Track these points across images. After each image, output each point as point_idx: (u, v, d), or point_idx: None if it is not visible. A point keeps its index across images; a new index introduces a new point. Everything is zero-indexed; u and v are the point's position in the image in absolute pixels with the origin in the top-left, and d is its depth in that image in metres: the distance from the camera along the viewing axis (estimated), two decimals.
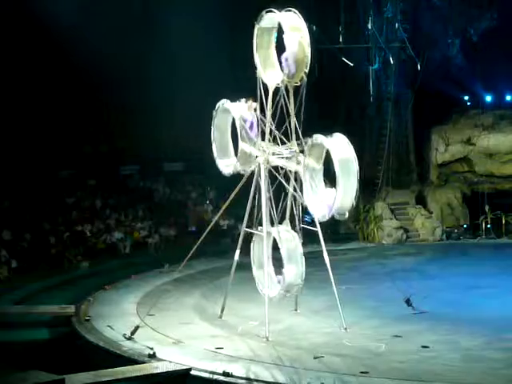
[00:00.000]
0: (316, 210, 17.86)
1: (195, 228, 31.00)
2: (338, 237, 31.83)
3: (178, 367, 15.03)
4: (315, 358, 15.36)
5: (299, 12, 17.78)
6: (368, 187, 33.90)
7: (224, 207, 20.19)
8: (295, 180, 18.38)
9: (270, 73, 18.45)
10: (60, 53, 30.34)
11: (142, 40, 32.25)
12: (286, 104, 18.24)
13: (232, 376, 14.29)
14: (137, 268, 25.93)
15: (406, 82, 34.69)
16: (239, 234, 19.57)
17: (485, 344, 16.31)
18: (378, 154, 34.40)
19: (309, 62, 17.75)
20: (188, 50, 31.28)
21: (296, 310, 19.48)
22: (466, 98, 35.69)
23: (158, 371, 14.87)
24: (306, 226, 18.66)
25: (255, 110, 18.33)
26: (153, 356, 15.68)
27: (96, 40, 28.77)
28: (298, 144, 18.22)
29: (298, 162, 18.09)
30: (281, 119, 18.47)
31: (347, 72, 33.69)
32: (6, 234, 27.33)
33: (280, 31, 18.05)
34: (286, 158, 18.40)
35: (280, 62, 18.04)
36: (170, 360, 15.40)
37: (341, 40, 33.13)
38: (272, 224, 18.32)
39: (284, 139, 18.46)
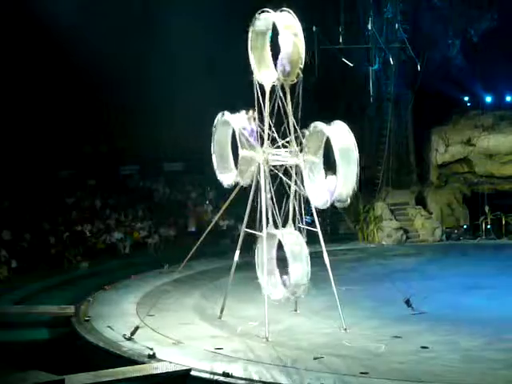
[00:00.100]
0: (317, 197, 17.83)
1: (195, 228, 31.00)
2: (337, 237, 31.85)
3: (178, 368, 15.02)
4: (315, 358, 15.35)
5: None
6: (368, 187, 33.92)
7: (224, 207, 20.18)
8: (296, 174, 18.35)
9: (265, 73, 18.52)
10: (60, 53, 30.33)
11: (141, 40, 32.23)
12: (283, 103, 18.26)
13: (232, 376, 14.29)
14: (136, 268, 25.93)
15: (406, 83, 34.69)
16: (239, 235, 19.55)
17: (484, 344, 16.31)
18: (378, 155, 34.41)
19: (303, 62, 17.80)
20: (188, 49, 31.27)
21: (296, 310, 19.47)
22: (466, 98, 35.71)
23: (158, 372, 14.87)
24: (305, 227, 18.64)
25: (254, 119, 18.39)
26: (153, 356, 15.67)
27: (96, 40, 28.76)
28: (295, 137, 18.21)
29: (298, 158, 18.10)
30: (279, 119, 18.49)
31: (347, 72, 33.69)
32: (6, 234, 27.34)
33: (275, 31, 18.10)
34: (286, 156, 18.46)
35: (275, 64, 18.14)
36: (170, 360, 15.39)
37: (341, 40, 33.11)
38: (276, 227, 18.28)
39: (283, 142, 18.47)
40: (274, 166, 18.54)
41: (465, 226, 33.17)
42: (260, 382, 14.15)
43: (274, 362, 15.31)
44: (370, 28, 33.40)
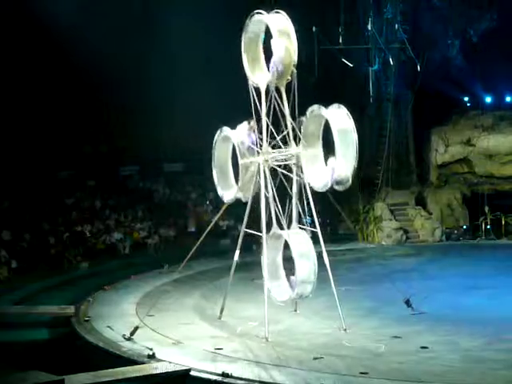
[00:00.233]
0: (317, 180, 17.81)
1: (195, 228, 31.00)
2: (337, 237, 31.85)
3: (178, 368, 15.00)
4: (315, 358, 15.33)
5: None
6: (368, 188, 33.95)
7: (224, 208, 20.17)
8: (297, 167, 18.34)
9: (260, 75, 18.61)
10: (60, 53, 30.34)
11: (142, 40, 32.24)
12: (278, 104, 18.31)
13: (231, 377, 14.26)
14: (136, 268, 25.93)
15: (405, 83, 34.70)
16: (239, 235, 19.54)
17: (484, 345, 16.29)
18: (378, 155, 34.40)
19: (295, 64, 17.89)
20: (188, 49, 31.27)
21: (296, 310, 19.45)
22: (466, 98, 35.74)
23: (158, 372, 14.84)
24: (305, 227, 18.63)
25: (254, 131, 18.46)
26: (152, 356, 15.66)
27: (96, 40, 28.76)
28: (293, 133, 18.19)
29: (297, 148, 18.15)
30: (277, 121, 18.52)
31: (347, 73, 33.69)
32: (6, 235, 27.34)
33: (268, 32, 18.19)
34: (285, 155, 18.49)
35: (268, 66, 18.30)
36: (170, 360, 15.37)
37: (341, 41, 33.10)
38: (280, 227, 18.25)
39: (281, 137, 18.49)
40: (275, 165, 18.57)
41: (464, 227, 33.17)
42: (260, 382, 14.13)
43: (273, 362, 15.28)
44: (369, 28, 33.39)
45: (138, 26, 32.59)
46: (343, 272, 24.09)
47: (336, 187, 17.44)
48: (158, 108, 33.30)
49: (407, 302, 19.29)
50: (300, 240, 17.83)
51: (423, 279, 23.78)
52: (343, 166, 17.05)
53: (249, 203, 18.85)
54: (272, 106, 18.30)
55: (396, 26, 33.53)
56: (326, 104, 17.51)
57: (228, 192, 19.31)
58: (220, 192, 19.43)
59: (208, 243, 21.54)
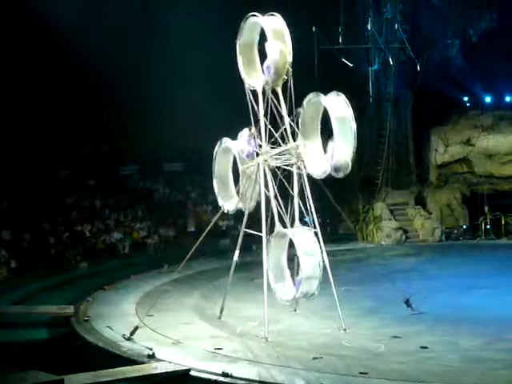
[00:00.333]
0: (316, 168, 17.79)
1: (194, 228, 31.01)
2: (337, 237, 31.85)
3: (178, 368, 15.00)
4: (314, 358, 15.33)
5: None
6: (367, 188, 33.97)
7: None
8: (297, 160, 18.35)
9: (255, 77, 18.73)
10: (60, 53, 30.33)
11: (142, 40, 32.24)
12: (275, 105, 18.34)
13: (231, 376, 14.26)
14: (136, 268, 25.94)
15: (405, 83, 34.70)
16: (239, 235, 19.54)
17: (484, 344, 16.29)
18: (378, 155, 34.41)
19: (290, 67, 17.96)
20: (188, 50, 31.27)
21: (295, 310, 19.44)
22: (466, 98, 35.76)
23: (158, 372, 14.85)
24: (305, 227, 18.61)
25: (255, 138, 18.52)
26: (152, 356, 15.66)
27: (96, 40, 28.76)
28: (291, 126, 18.23)
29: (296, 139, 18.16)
30: (277, 122, 18.55)
31: (347, 73, 33.69)
32: (6, 234, 27.34)
33: (263, 35, 18.30)
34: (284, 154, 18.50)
35: (263, 68, 18.41)
36: (170, 360, 15.37)
37: (340, 41, 33.11)
38: (284, 226, 18.23)
39: (281, 142, 18.53)
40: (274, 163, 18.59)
41: (464, 226, 33.19)
42: (259, 382, 14.14)
43: (273, 362, 15.29)
44: (369, 28, 33.41)
45: (138, 25, 32.59)
46: (343, 272, 24.08)
47: (335, 174, 17.26)
48: (158, 108, 33.30)
49: (407, 302, 19.29)
50: (305, 238, 17.65)
51: (423, 279, 23.78)
52: (342, 149, 16.92)
53: (245, 196, 18.84)
54: (269, 108, 18.32)
55: (396, 25, 33.54)
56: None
57: (229, 202, 19.47)
58: (221, 202, 19.59)
59: (208, 243, 21.55)
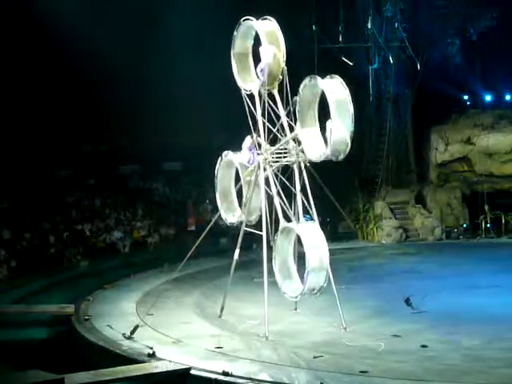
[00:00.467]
0: (313, 151, 17.76)
1: (195, 227, 30.98)
2: (337, 236, 31.83)
3: (178, 367, 15.01)
4: (315, 357, 15.34)
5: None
6: (368, 187, 33.97)
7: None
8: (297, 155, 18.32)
9: (251, 81, 18.86)
10: (60, 52, 30.30)
11: (142, 39, 32.20)
12: (272, 108, 18.36)
13: (232, 375, 14.28)
14: (136, 267, 25.94)
15: (405, 82, 34.72)
16: (239, 234, 19.54)
17: (484, 343, 16.28)
18: (378, 154, 34.44)
19: (285, 70, 18.05)
20: (188, 50, 31.26)
21: (296, 309, 19.45)
22: (466, 97, 35.76)
23: (158, 371, 14.86)
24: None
25: (255, 146, 18.57)
26: (152, 355, 15.67)
27: (96, 39, 28.75)
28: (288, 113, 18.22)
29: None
30: (275, 124, 18.57)
31: (347, 71, 33.66)
32: (6, 234, 27.33)
33: (257, 38, 18.43)
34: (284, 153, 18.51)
35: (257, 72, 18.59)
36: (170, 359, 15.38)
37: (340, 39, 33.14)
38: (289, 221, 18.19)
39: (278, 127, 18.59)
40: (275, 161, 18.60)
41: (464, 225, 33.18)
42: (260, 380, 14.15)
43: (273, 360, 15.30)
44: (369, 27, 33.43)
45: (138, 25, 32.55)
46: (343, 271, 24.08)
47: (335, 158, 17.19)
48: (158, 107, 33.24)
49: (407, 301, 19.31)
50: (311, 231, 17.44)
51: (423, 278, 23.77)
52: (341, 130, 16.82)
53: (249, 203, 18.84)
54: (267, 110, 18.36)
55: (396, 24, 33.55)
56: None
57: (231, 215, 19.57)
58: (224, 215, 19.61)
59: (208, 242, 21.55)
